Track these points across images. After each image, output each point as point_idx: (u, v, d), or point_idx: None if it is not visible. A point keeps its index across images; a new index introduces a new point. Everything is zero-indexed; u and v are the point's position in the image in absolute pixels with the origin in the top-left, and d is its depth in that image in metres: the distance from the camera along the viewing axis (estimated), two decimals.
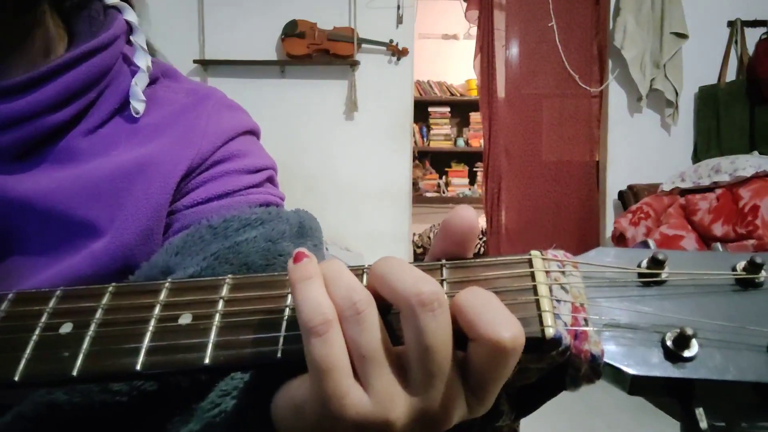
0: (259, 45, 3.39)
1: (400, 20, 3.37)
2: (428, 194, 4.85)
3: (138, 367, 0.28)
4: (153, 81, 0.56)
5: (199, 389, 0.36)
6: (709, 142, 3.23)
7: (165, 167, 0.51)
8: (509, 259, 0.31)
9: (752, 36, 3.21)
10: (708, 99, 3.24)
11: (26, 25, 0.49)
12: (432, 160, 5.05)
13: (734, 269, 0.30)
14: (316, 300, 0.27)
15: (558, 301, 0.29)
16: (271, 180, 0.58)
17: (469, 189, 4.95)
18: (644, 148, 3.30)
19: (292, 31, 3.31)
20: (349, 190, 3.36)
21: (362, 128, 3.41)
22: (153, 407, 0.35)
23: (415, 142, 4.72)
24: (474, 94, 4.55)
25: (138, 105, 0.52)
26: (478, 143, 4.67)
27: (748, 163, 2.63)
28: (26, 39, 0.50)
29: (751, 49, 3.19)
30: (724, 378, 0.27)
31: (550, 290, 0.29)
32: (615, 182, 3.32)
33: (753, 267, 0.30)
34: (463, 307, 0.27)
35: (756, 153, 2.90)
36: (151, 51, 0.58)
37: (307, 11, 3.34)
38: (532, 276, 0.30)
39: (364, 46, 3.35)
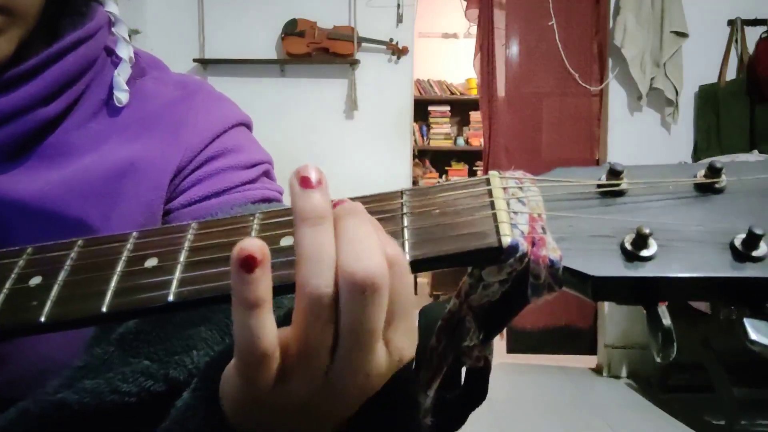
0: (258, 44, 3.39)
1: (400, 19, 3.36)
2: None
3: (104, 309, 0.29)
4: (141, 73, 0.56)
5: None
6: (709, 141, 3.22)
7: (155, 165, 0.51)
8: (468, 181, 0.32)
9: (752, 35, 3.20)
10: (708, 98, 3.24)
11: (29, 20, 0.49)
12: (432, 159, 5.05)
13: (695, 176, 0.31)
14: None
15: (515, 212, 0.29)
16: (267, 174, 0.58)
17: None
18: (644, 147, 3.30)
19: (292, 30, 3.31)
20: (349, 188, 3.32)
21: (362, 127, 3.41)
22: (161, 410, 0.35)
23: (415, 141, 4.72)
24: (474, 93, 4.55)
25: (121, 95, 0.52)
26: (478, 142, 4.67)
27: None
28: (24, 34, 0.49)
29: (751, 47, 3.18)
30: (684, 275, 0.27)
31: (508, 204, 0.30)
32: None
33: (713, 172, 0.30)
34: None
35: (756, 152, 2.89)
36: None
37: (307, 10, 3.34)
38: (490, 193, 0.31)
39: (364, 44, 3.35)
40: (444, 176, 5.02)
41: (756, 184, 0.30)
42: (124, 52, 0.54)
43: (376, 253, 0.26)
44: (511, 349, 3.49)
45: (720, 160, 0.30)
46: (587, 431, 2.62)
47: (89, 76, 0.52)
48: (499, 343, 3.48)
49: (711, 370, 2.52)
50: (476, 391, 0.37)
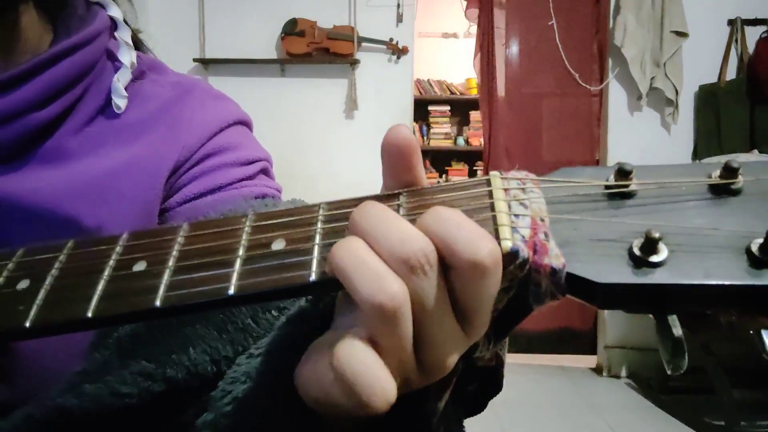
0: (259, 44, 3.39)
1: (400, 19, 3.37)
2: None
3: (89, 314, 0.28)
4: (140, 76, 0.56)
5: (211, 386, 0.36)
6: (709, 141, 3.22)
7: (152, 164, 0.51)
8: (468, 182, 0.30)
9: (752, 34, 3.20)
10: (708, 98, 3.24)
11: (10, 22, 0.49)
12: (432, 159, 5.04)
13: (710, 177, 0.28)
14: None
15: (516, 216, 0.28)
16: (265, 172, 0.57)
17: None
18: (644, 147, 3.30)
19: (292, 29, 3.31)
20: (349, 188, 3.35)
21: (362, 127, 3.41)
22: (162, 409, 0.35)
23: None
24: (474, 93, 4.54)
25: (119, 101, 0.52)
26: (478, 142, 4.67)
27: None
28: (10, 37, 0.49)
29: (751, 47, 3.18)
30: (697, 282, 0.25)
31: (509, 206, 0.28)
32: None
33: (729, 172, 0.28)
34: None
35: (756, 152, 2.89)
36: (138, 46, 0.57)
37: (307, 10, 3.34)
38: (490, 194, 0.29)
39: (364, 44, 3.35)
40: (444, 176, 5.01)
41: None
42: (126, 57, 0.53)
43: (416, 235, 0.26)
44: (511, 349, 3.49)
45: (737, 159, 0.28)
46: (587, 431, 2.62)
47: (87, 80, 0.51)
48: None
49: (711, 372, 2.52)
50: (491, 385, 0.36)
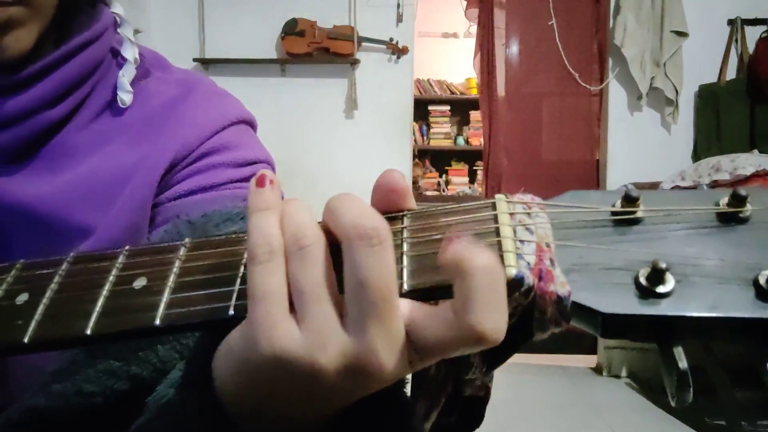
0: (259, 43, 3.39)
1: (400, 18, 3.36)
2: (428, 193, 4.84)
3: (88, 331, 0.28)
4: (145, 74, 0.56)
5: None
6: (709, 141, 3.22)
7: (151, 161, 0.51)
8: (473, 205, 0.30)
9: (752, 34, 3.20)
10: (708, 97, 3.24)
11: (45, 21, 0.49)
12: (432, 158, 5.04)
13: (717, 204, 0.28)
14: (265, 230, 0.27)
15: (522, 241, 0.27)
16: None
17: (470, 188, 4.94)
18: (644, 147, 3.30)
19: (292, 29, 3.31)
20: (349, 188, 3.32)
21: (362, 127, 3.41)
22: (127, 408, 0.35)
23: (415, 141, 4.71)
24: (474, 93, 4.54)
25: (125, 96, 0.52)
26: (478, 142, 4.66)
27: (748, 162, 2.62)
28: (41, 35, 0.49)
29: (751, 47, 3.18)
30: (703, 314, 0.25)
31: (514, 232, 0.28)
32: (615, 181, 3.32)
33: (736, 200, 0.28)
34: (464, 289, 0.25)
35: (756, 152, 2.89)
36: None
37: (307, 9, 3.34)
38: (496, 219, 0.29)
39: (364, 44, 3.35)
40: (444, 176, 5.01)
41: None
42: (129, 53, 0.54)
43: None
44: None
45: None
46: (587, 431, 2.62)
47: (95, 77, 0.52)
48: None
49: (712, 372, 2.51)
50: (473, 418, 0.36)
